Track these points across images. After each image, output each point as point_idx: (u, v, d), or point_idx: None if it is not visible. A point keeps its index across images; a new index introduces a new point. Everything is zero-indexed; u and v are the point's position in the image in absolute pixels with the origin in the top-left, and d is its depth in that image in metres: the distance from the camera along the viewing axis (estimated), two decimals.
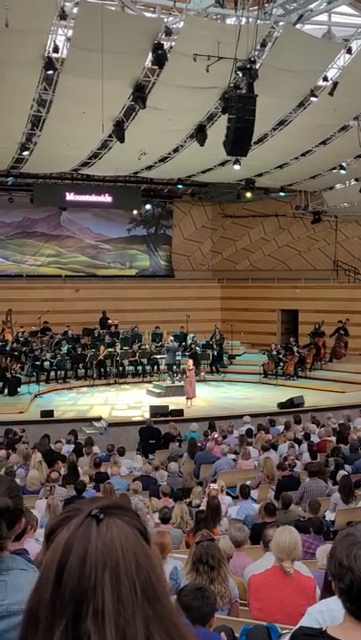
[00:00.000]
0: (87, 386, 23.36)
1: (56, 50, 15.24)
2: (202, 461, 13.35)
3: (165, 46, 15.55)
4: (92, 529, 1.07)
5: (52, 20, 14.48)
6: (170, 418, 17.79)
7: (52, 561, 1.07)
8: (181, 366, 23.08)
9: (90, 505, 1.12)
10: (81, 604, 1.02)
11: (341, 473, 10.90)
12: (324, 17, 17.36)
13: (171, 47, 15.74)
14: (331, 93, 17.52)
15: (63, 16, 14.42)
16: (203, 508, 8.79)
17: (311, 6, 16.00)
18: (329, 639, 2.02)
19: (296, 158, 23.37)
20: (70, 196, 27.00)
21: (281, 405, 19.52)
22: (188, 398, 20.40)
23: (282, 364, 24.87)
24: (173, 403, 19.68)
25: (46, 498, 9.37)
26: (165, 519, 8.37)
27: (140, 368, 24.63)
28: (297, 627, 2.43)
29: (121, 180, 28.02)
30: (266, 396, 21.71)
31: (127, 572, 1.05)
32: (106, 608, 1.02)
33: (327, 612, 2.67)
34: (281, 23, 16.04)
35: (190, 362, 21.74)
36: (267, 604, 4.84)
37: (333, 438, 14.54)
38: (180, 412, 18.63)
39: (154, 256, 31.65)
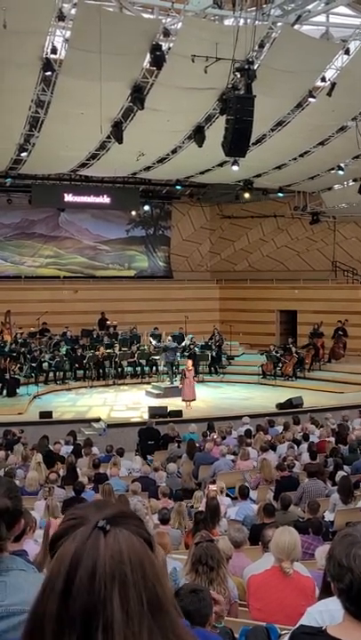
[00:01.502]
0: (86, 387, 23.35)
1: (54, 51, 15.21)
2: (201, 462, 13.34)
3: (164, 47, 15.54)
4: (100, 542, 1.08)
5: (51, 21, 14.47)
6: (169, 419, 17.79)
7: (59, 572, 1.07)
8: (180, 367, 23.05)
9: (95, 513, 1.12)
10: (90, 618, 1.03)
11: (340, 473, 10.91)
12: (322, 18, 17.37)
13: (169, 48, 15.73)
14: (329, 94, 17.53)
15: (61, 17, 14.41)
16: (202, 508, 8.79)
17: (309, 7, 16.01)
18: (329, 638, 2.02)
19: (294, 159, 23.38)
20: (69, 197, 27.00)
21: (280, 406, 19.53)
22: (184, 400, 20.32)
23: (281, 364, 24.87)
24: (172, 404, 19.67)
25: (45, 499, 9.36)
26: (165, 520, 8.37)
27: (138, 369, 24.63)
28: (297, 626, 2.43)
29: (119, 181, 28.03)
30: (265, 397, 21.72)
31: (135, 584, 1.06)
32: (115, 622, 1.03)
33: (326, 612, 2.67)
34: (279, 24, 16.04)
35: (189, 362, 21.69)
36: (266, 604, 4.84)
37: (332, 439, 14.54)
38: (178, 413, 18.63)
39: (152, 257, 31.65)
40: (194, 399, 20.53)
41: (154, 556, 1.12)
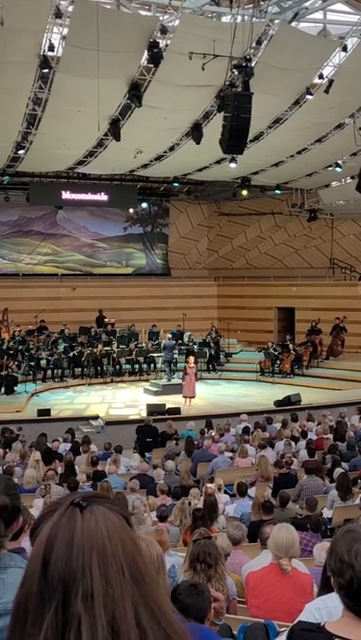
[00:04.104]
0: (84, 384, 23.35)
1: (51, 48, 15.22)
2: (199, 459, 13.35)
3: (161, 44, 15.54)
4: (77, 515, 1.09)
5: (48, 19, 14.46)
6: (167, 416, 17.79)
7: (38, 552, 1.08)
8: (179, 364, 23.04)
9: (70, 497, 1.14)
10: (69, 587, 1.03)
11: (338, 470, 10.90)
12: (319, 15, 17.38)
13: (166, 45, 15.72)
14: (326, 91, 17.53)
15: (58, 14, 14.42)
16: (200, 505, 8.79)
17: (306, 4, 16.02)
18: (327, 635, 2.02)
19: (292, 156, 23.37)
20: (66, 195, 26.96)
21: (278, 403, 19.53)
22: (185, 397, 20.35)
23: (278, 361, 24.89)
24: (170, 401, 19.68)
25: (43, 497, 9.36)
26: (163, 517, 8.36)
27: (136, 366, 24.63)
28: (295, 622, 2.44)
29: (117, 179, 27.99)
30: (263, 394, 21.72)
31: (114, 554, 1.06)
32: (95, 589, 1.03)
33: (324, 608, 2.67)
34: (276, 21, 16.04)
35: (191, 359, 21.63)
36: (265, 601, 4.84)
37: (330, 436, 14.55)
38: (177, 411, 18.64)
39: (150, 254, 31.64)
40: (193, 397, 20.51)
41: (132, 531, 1.13)
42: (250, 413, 17.63)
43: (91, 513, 1.09)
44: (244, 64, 14.86)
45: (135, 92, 16.97)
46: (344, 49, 16.99)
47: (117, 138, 18.87)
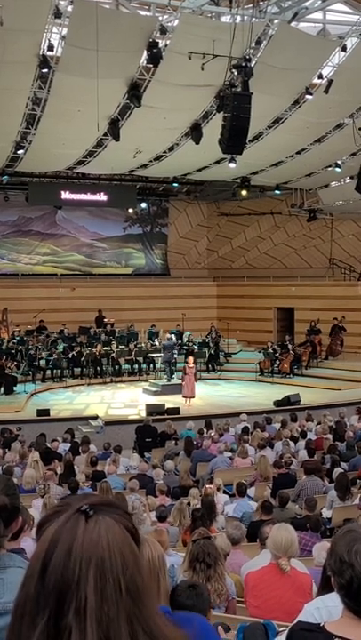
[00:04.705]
0: (83, 384, 23.35)
1: (51, 48, 15.22)
2: (198, 459, 13.35)
3: (160, 44, 15.54)
4: (80, 524, 1.07)
5: (47, 19, 14.46)
6: (166, 416, 17.79)
7: (39, 553, 1.07)
8: (178, 364, 23.03)
9: (80, 501, 1.12)
10: (63, 598, 1.02)
11: (338, 470, 10.90)
12: (318, 15, 17.38)
13: (166, 45, 15.72)
14: (326, 91, 17.53)
15: (58, 14, 14.42)
16: (199, 505, 8.78)
17: (306, 4, 16.02)
18: (326, 635, 2.02)
19: (291, 156, 23.37)
20: (66, 195, 26.94)
21: (277, 403, 19.53)
22: (185, 397, 20.35)
23: (278, 361, 24.90)
24: (170, 401, 19.68)
25: (42, 496, 9.35)
26: (162, 517, 8.36)
27: (136, 366, 24.63)
28: (294, 622, 2.43)
29: (116, 179, 27.98)
30: (262, 394, 21.72)
31: (113, 569, 1.05)
32: (88, 604, 1.01)
33: (323, 608, 2.67)
34: (276, 21, 16.04)
35: (191, 359, 21.62)
36: (264, 601, 4.84)
37: (330, 436, 14.55)
38: (176, 411, 18.64)
39: (149, 254, 31.64)
40: (193, 397, 20.51)
41: (136, 547, 1.11)
42: (249, 413, 17.62)
43: (95, 523, 1.08)
44: (243, 64, 14.86)
45: (135, 92, 16.97)
46: (343, 49, 16.98)
47: (117, 138, 18.87)
